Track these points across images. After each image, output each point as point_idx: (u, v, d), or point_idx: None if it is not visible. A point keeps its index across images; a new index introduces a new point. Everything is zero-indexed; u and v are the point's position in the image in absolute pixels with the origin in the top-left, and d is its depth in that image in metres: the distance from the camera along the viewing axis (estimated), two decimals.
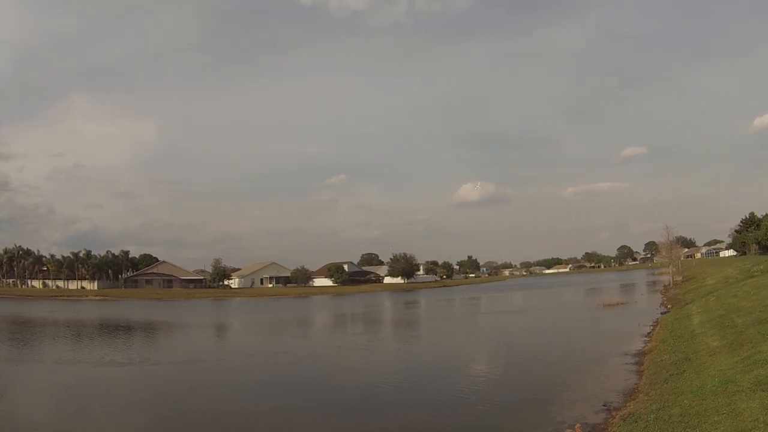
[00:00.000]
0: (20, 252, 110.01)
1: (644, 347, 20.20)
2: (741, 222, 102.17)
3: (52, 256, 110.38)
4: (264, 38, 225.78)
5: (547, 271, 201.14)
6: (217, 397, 15.45)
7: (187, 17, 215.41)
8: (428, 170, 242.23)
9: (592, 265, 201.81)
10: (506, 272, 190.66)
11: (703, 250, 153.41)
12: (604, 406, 12.70)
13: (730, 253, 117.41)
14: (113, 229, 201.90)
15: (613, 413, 11.70)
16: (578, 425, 11.10)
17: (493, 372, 19.28)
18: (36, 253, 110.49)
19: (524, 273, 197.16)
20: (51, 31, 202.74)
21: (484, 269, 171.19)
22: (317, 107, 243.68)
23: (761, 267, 40.98)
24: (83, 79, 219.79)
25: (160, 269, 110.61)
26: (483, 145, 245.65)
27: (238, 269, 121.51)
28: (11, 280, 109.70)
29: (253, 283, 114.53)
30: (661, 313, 31.29)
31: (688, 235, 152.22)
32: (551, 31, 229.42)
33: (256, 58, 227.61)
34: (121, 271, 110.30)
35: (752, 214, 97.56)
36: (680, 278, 60.58)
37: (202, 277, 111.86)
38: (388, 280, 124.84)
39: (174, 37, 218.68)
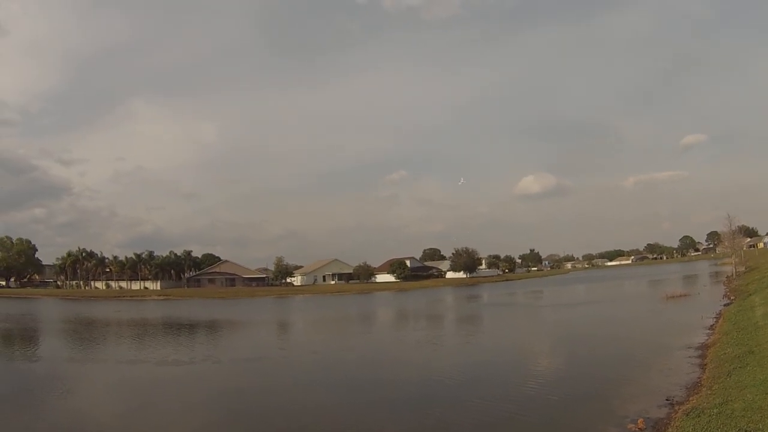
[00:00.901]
0: (83, 254, 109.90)
1: (707, 340, 19.99)
2: None
3: (115, 257, 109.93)
4: (321, 36, 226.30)
5: (609, 263, 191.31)
6: (281, 393, 15.50)
7: (244, 17, 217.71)
8: (488, 162, 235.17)
9: (654, 256, 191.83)
10: (568, 265, 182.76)
11: (767, 240, 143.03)
12: (666, 400, 12.48)
13: None
14: (176, 229, 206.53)
15: (676, 407, 11.56)
16: (641, 420, 10.94)
17: (555, 365, 19.10)
18: (99, 255, 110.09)
19: (586, 265, 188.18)
20: (109, 38, 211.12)
21: (546, 262, 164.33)
22: (376, 103, 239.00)
23: None
24: (143, 84, 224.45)
25: (222, 268, 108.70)
26: (542, 135, 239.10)
27: (301, 267, 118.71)
28: (75, 282, 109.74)
29: (315, 280, 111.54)
30: (724, 305, 30.49)
31: (750, 225, 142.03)
32: (610, 16, 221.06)
33: (314, 56, 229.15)
34: (183, 270, 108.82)
35: None
36: (743, 269, 57.74)
37: (264, 275, 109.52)
38: (450, 275, 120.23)
39: (232, 37, 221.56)
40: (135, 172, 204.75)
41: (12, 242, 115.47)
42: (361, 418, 12.68)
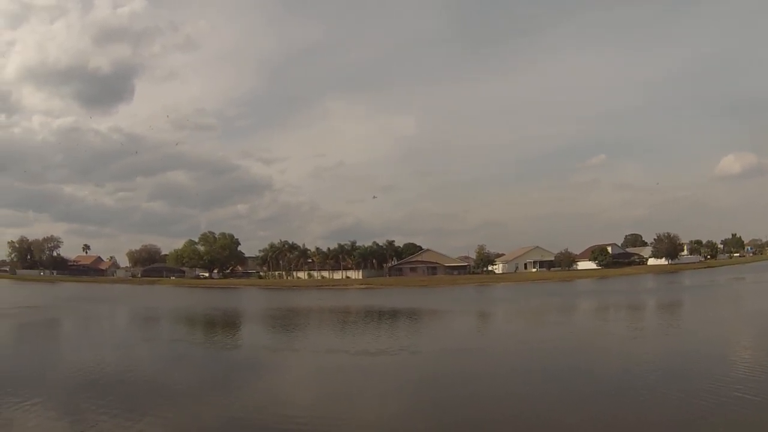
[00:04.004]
0: (286, 246, 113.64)
1: None
2: None
3: (318, 248, 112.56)
4: (507, 22, 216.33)
5: None
6: (478, 383, 14.98)
7: (431, 8, 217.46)
8: (686, 142, 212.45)
9: None
10: None
11: None
12: None
13: None
14: (376, 221, 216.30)
15: None
16: None
17: (763, 360, 16.80)
18: (301, 247, 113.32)
19: None
20: (301, 40, 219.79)
21: (749, 248, 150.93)
22: (569, 86, 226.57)
23: None
24: (337, 81, 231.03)
25: (424, 257, 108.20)
26: (744, 112, 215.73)
27: (502, 254, 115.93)
28: (277, 273, 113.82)
29: (516, 267, 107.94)
30: None
31: None
32: None
33: (502, 44, 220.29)
34: (385, 260, 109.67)
35: None
36: None
37: (465, 264, 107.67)
38: (651, 261, 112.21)
39: (421, 30, 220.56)
40: (335, 167, 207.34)
41: (215, 237, 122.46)
42: (556, 408, 12.08)
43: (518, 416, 11.62)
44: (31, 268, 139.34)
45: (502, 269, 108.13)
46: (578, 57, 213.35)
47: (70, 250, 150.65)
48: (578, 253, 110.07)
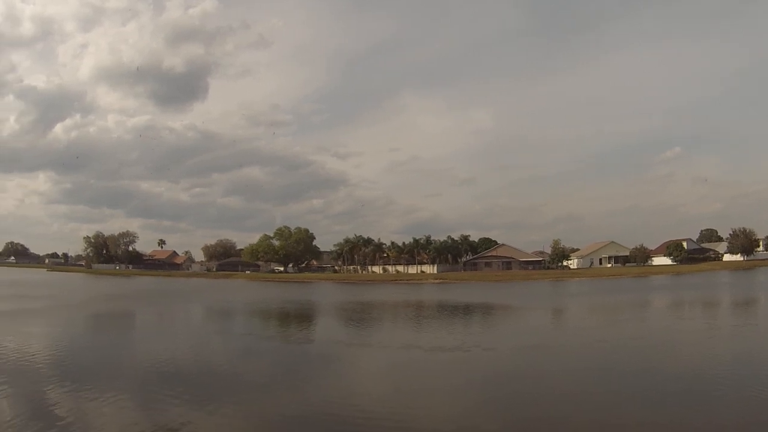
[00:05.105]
0: (361, 241, 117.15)
1: None
2: None
3: (392, 243, 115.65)
4: (582, 15, 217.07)
5: None
6: (548, 380, 14.72)
7: (506, 2, 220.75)
8: (765, 135, 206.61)
9: None
10: None
11: None
12: None
13: None
14: (452, 215, 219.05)
15: None
16: None
17: None
18: (376, 241, 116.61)
19: None
20: (374, 35, 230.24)
21: None
22: (643, 79, 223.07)
23: None
24: (411, 76, 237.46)
25: (499, 252, 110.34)
26: None
27: (577, 249, 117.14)
28: (352, 267, 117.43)
29: (591, 263, 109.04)
30: None
31: None
32: None
33: (577, 36, 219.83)
34: (460, 254, 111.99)
35: None
36: None
37: (540, 259, 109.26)
38: (727, 257, 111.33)
39: (497, 24, 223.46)
40: (410, 161, 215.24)
41: (290, 231, 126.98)
42: (626, 408, 11.87)
43: (588, 415, 11.38)
44: (106, 263, 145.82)
45: (577, 264, 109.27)
46: (652, 49, 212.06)
47: (145, 245, 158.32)
48: (653, 248, 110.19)
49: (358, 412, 11.49)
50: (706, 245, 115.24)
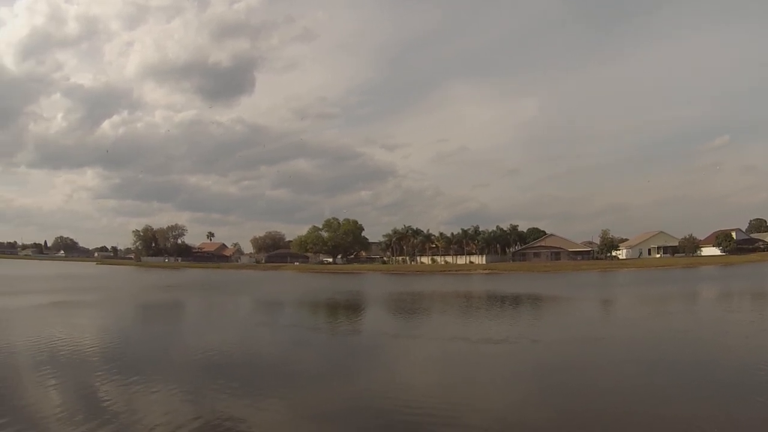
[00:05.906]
0: (409, 231, 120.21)
1: None
2: None
3: (441, 233, 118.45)
4: (628, 3, 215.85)
5: None
6: (604, 373, 14.61)
7: None
8: None
9: None
10: None
11: None
12: None
13: None
14: (500, 205, 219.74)
15: None
16: None
17: None
18: (425, 232, 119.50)
19: None
20: (420, 26, 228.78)
21: None
22: (690, 66, 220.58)
23: None
24: (457, 67, 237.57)
25: (547, 242, 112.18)
26: None
27: (626, 239, 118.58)
28: (401, 258, 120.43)
29: (640, 253, 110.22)
30: None
31: None
32: None
33: (623, 25, 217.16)
34: (509, 244, 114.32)
35: None
36: None
37: (589, 249, 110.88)
38: None
39: (543, 13, 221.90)
40: (458, 152, 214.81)
41: (339, 223, 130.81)
42: (672, 401, 11.72)
43: (635, 407, 11.30)
44: (155, 256, 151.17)
45: (626, 255, 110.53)
46: (698, 36, 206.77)
47: (194, 238, 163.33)
48: (702, 239, 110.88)
49: (403, 404, 11.53)
50: (755, 235, 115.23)
